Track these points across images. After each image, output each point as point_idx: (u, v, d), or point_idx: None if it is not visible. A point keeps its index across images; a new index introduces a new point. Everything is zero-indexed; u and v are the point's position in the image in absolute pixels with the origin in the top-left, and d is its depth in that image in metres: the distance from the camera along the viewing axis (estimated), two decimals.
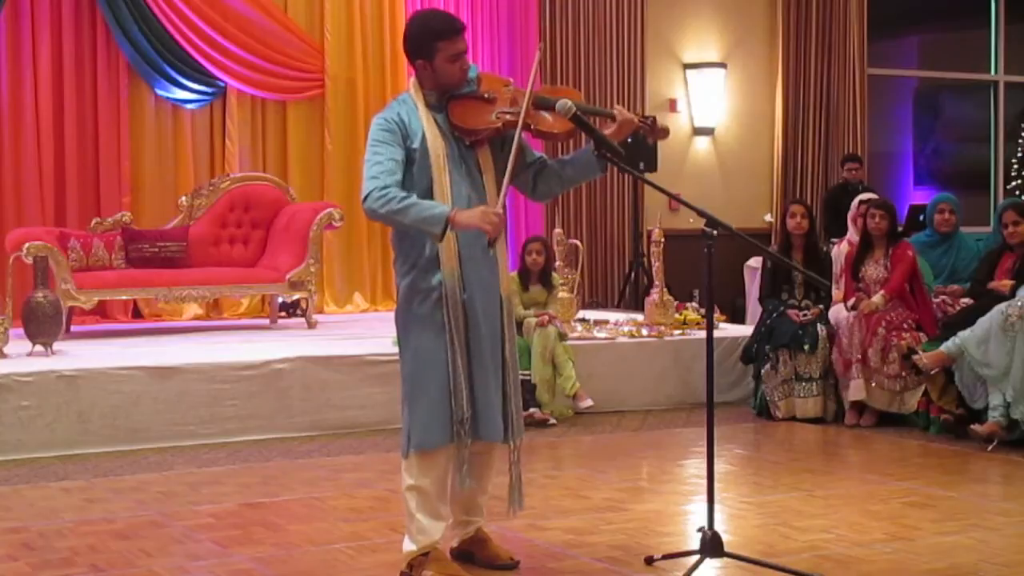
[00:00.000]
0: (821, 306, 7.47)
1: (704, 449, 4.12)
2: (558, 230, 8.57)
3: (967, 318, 6.72)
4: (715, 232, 4.04)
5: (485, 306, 3.99)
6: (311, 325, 8.77)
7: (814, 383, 7.31)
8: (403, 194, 3.81)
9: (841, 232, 8.46)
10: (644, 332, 8.04)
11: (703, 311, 7.26)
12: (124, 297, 8.81)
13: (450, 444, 3.94)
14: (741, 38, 11.91)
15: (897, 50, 13.88)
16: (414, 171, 3.92)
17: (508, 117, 3.97)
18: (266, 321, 9.27)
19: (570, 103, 3.92)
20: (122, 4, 9.23)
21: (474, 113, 4.01)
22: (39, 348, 6.97)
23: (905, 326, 7.09)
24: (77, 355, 7.01)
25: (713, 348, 4.27)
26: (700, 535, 4.10)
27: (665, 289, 8.32)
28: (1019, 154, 13.57)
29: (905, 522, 4.81)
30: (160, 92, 9.56)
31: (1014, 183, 13.41)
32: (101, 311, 9.16)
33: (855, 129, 12.16)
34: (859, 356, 7.05)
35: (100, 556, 4.38)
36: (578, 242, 9.27)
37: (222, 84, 9.70)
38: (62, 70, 9.19)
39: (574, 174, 4.20)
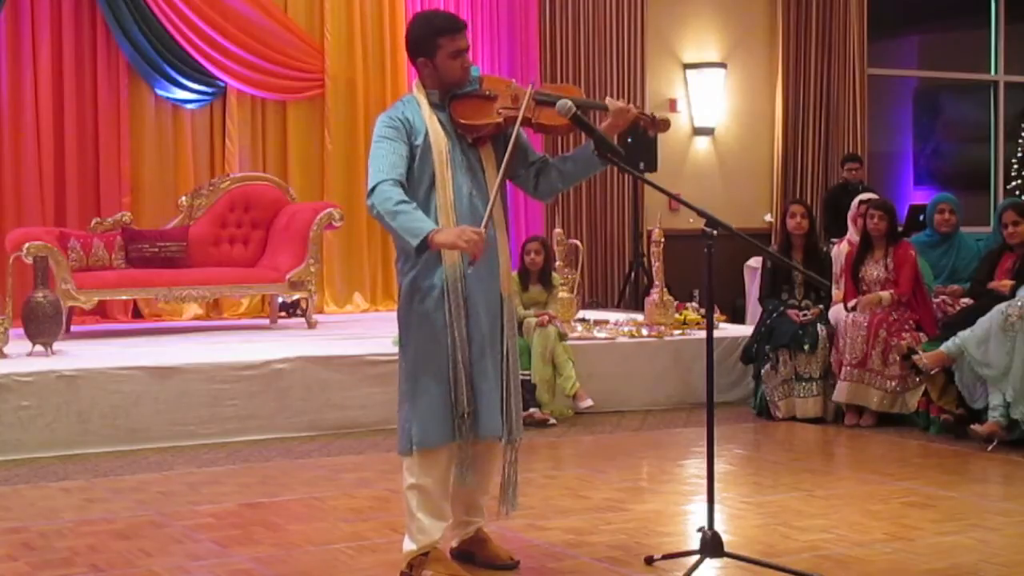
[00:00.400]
0: (821, 306, 7.47)
1: (704, 449, 4.13)
2: (558, 230, 8.57)
3: (967, 318, 6.72)
4: (715, 232, 4.04)
5: (486, 304, 3.99)
6: (311, 325, 8.77)
7: (814, 383, 7.31)
8: (402, 198, 3.81)
9: (841, 232, 8.46)
10: (644, 332, 8.04)
11: (703, 311, 7.26)
12: (124, 297, 8.81)
13: (451, 442, 3.95)
14: (741, 38, 11.91)
15: (897, 50, 13.87)
16: (416, 168, 3.94)
17: (509, 112, 3.99)
18: (266, 321, 9.27)
19: (570, 103, 3.93)
20: (122, 4, 9.23)
21: (476, 110, 4.03)
22: (39, 348, 6.97)
23: (906, 327, 7.10)
24: (77, 355, 7.00)
25: (713, 348, 4.27)
26: (700, 535, 4.10)
27: (665, 289, 8.32)
28: (1019, 154, 13.55)
29: (905, 522, 4.81)
30: (160, 92, 9.56)
31: (1014, 183, 13.40)
32: (101, 311, 9.16)
33: (855, 129, 12.15)
34: (853, 359, 7.05)
35: (100, 556, 4.38)
36: (578, 242, 9.27)
37: (222, 84, 9.70)
38: (62, 70, 9.19)
39: (575, 169, 4.21)
